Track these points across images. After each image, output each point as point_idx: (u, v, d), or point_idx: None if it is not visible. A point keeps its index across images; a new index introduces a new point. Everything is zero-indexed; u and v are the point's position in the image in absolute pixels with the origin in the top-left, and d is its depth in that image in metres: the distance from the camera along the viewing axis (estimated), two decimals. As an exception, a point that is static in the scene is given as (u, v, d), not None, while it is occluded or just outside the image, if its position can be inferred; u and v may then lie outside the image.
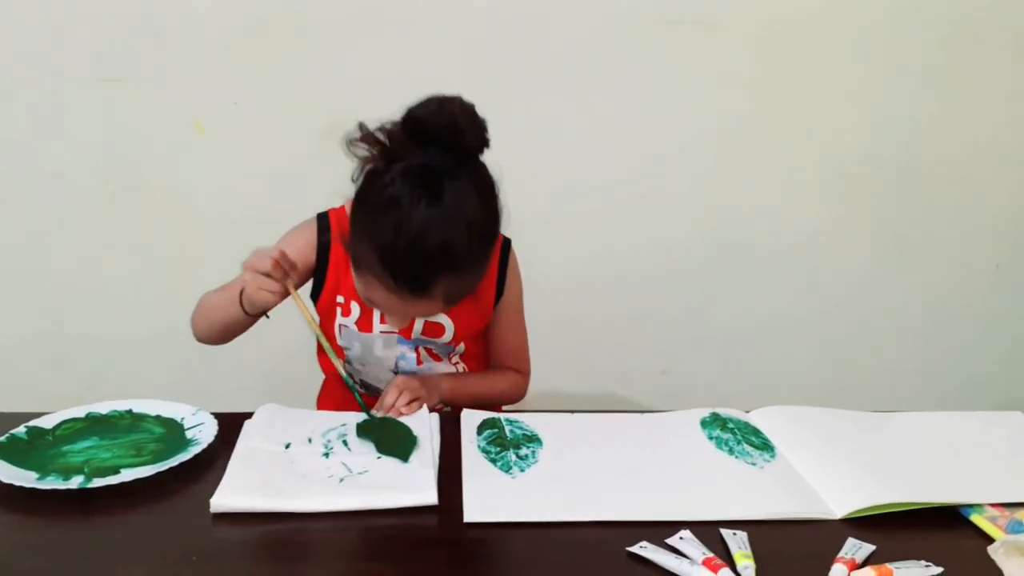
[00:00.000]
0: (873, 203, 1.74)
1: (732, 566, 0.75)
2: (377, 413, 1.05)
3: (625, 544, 0.78)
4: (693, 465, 0.94)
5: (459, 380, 1.19)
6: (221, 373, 1.70)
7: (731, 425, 1.04)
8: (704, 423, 1.04)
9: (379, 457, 0.94)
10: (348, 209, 1.04)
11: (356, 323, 1.14)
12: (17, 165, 1.64)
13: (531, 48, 1.61)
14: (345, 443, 0.98)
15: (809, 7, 1.62)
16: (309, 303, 1.09)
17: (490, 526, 0.82)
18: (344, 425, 1.02)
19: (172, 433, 0.99)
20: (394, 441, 0.97)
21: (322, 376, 1.29)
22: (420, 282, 0.93)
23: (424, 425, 1.02)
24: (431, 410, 1.07)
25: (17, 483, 0.85)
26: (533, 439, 1.00)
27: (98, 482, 0.86)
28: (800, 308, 1.79)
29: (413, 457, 0.94)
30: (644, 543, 0.78)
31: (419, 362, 1.18)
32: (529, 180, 1.58)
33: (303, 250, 1.13)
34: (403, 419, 1.03)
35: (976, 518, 0.84)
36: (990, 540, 0.80)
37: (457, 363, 1.22)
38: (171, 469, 0.89)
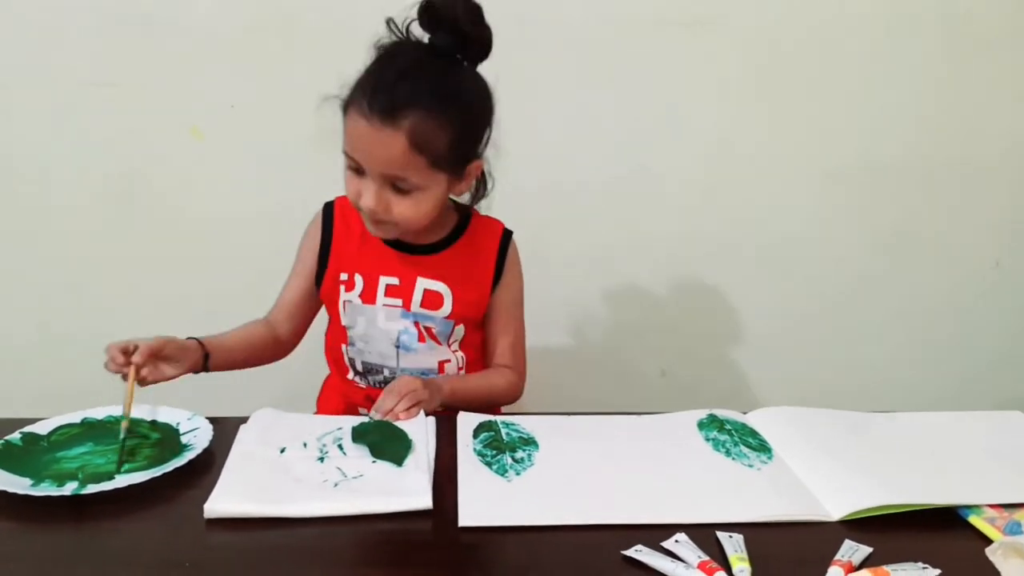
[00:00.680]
0: (871, 202, 1.74)
1: (728, 569, 0.75)
2: (375, 415, 1.04)
3: (620, 547, 0.77)
4: (690, 467, 0.94)
5: (459, 381, 1.18)
6: (219, 377, 1.71)
7: (728, 426, 1.03)
8: (701, 424, 1.04)
9: (374, 461, 0.94)
10: None
11: (360, 296, 1.17)
12: (14, 170, 1.65)
13: (524, 49, 1.60)
14: (340, 447, 0.97)
15: (804, 6, 1.62)
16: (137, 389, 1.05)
17: (484, 530, 0.81)
18: (340, 429, 1.02)
19: (167, 438, 0.99)
20: (389, 445, 0.96)
21: (323, 375, 1.30)
22: (391, 106, 0.99)
23: (420, 428, 1.01)
24: (428, 413, 1.06)
25: (11, 490, 0.84)
26: (529, 442, 1.00)
27: (92, 488, 0.86)
28: (799, 308, 1.78)
29: (408, 461, 0.93)
30: (639, 546, 0.78)
31: (421, 338, 1.18)
32: (524, 181, 1.59)
33: (312, 248, 1.21)
34: (399, 422, 1.03)
35: (974, 519, 0.83)
36: (988, 541, 0.79)
37: (456, 351, 1.22)
38: (166, 475, 0.89)
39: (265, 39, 1.57)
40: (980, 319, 1.81)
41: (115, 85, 1.58)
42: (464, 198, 1.19)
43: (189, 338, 1.12)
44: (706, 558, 0.75)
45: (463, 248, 1.20)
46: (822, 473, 0.91)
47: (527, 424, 1.04)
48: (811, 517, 0.84)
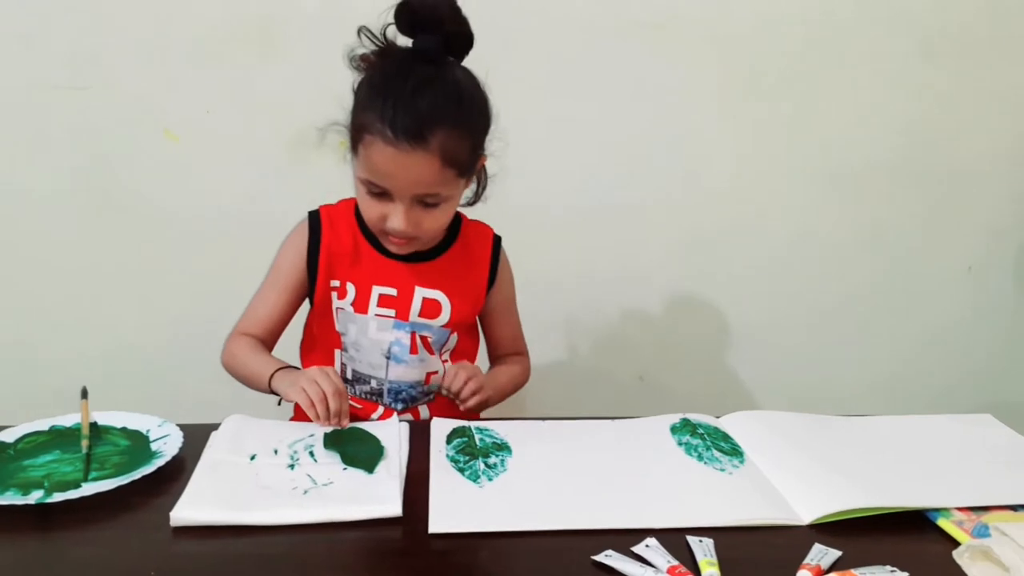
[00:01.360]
0: (847, 207, 1.75)
1: (697, 574, 0.74)
2: (444, 391, 1.14)
3: (590, 553, 0.77)
4: (662, 472, 0.94)
5: (494, 379, 1.22)
6: (197, 382, 1.69)
7: (701, 431, 1.03)
8: (674, 429, 1.04)
9: (345, 468, 0.93)
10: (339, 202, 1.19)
11: (352, 304, 1.15)
12: (-14, 175, 1.63)
13: (507, 51, 1.60)
14: (312, 454, 0.97)
15: (791, 8, 1.63)
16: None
17: (455, 537, 0.81)
18: (312, 436, 1.01)
19: (137, 446, 0.98)
20: (360, 452, 0.96)
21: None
22: (418, 128, 0.98)
23: (392, 434, 1.01)
24: (473, 413, 1.13)
25: (-25, 500, 0.83)
26: (503, 447, 0.99)
27: (58, 497, 0.85)
28: (777, 312, 1.79)
29: (379, 467, 0.93)
30: (609, 551, 0.77)
31: (413, 350, 1.17)
32: (505, 184, 1.58)
33: (295, 261, 1.19)
34: (371, 429, 1.03)
35: (943, 522, 0.84)
36: (956, 544, 0.80)
37: (446, 361, 1.21)
38: (134, 483, 0.88)
39: (241, 43, 1.56)
40: (952, 324, 1.83)
41: (86, 88, 1.56)
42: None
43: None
44: (676, 563, 0.75)
45: (457, 254, 1.19)
46: (793, 477, 0.92)
47: (501, 429, 1.04)
48: (781, 521, 0.84)
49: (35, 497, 0.84)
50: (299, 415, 1.28)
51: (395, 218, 1.05)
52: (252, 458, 0.95)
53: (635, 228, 1.73)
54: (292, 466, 0.94)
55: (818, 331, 1.81)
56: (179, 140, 1.61)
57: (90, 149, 1.61)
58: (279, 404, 1.12)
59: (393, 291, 1.16)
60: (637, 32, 1.62)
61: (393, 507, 0.85)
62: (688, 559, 0.77)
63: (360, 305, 1.15)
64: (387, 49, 1.04)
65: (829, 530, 0.83)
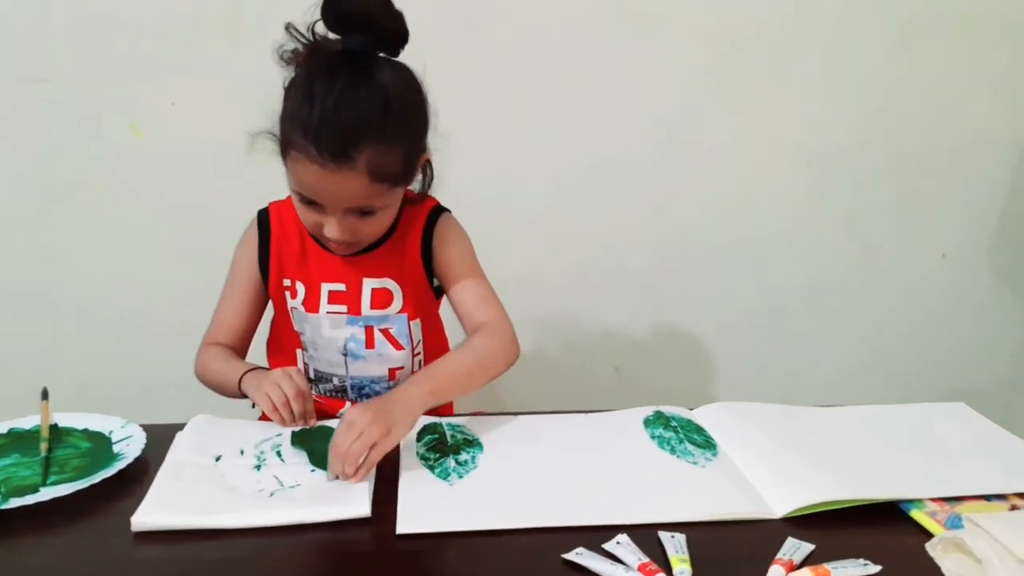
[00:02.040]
0: (822, 195, 1.75)
1: (668, 570, 0.73)
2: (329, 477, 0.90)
3: (561, 551, 0.76)
4: (634, 466, 0.92)
5: (430, 375, 1.01)
6: (162, 381, 1.67)
7: (674, 423, 1.02)
8: (647, 422, 1.03)
9: (312, 470, 0.91)
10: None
11: (303, 303, 1.13)
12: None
13: (487, 40, 1.59)
14: (279, 454, 0.95)
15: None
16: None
17: (423, 537, 0.79)
18: (279, 435, 0.99)
19: (99, 448, 0.95)
20: (328, 452, 0.94)
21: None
22: (343, 147, 0.93)
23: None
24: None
25: (-71, 505, 0.81)
26: (474, 443, 0.98)
27: (15, 502, 0.82)
28: (752, 303, 1.79)
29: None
30: (580, 549, 0.76)
31: (369, 345, 1.13)
32: (479, 174, 1.57)
33: (250, 263, 1.16)
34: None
35: (916, 513, 0.83)
36: (930, 536, 0.79)
37: (419, 353, 1.18)
38: (95, 486, 0.86)
39: (206, 35, 1.53)
40: (926, 311, 1.83)
41: (48, 81, 1.53)
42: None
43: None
44: (646, 560, 0.74)
45: (399, 238, 1.15)
46: (766, 469, 0.91)
47: (473, 425, 1.03)
48: (754, 515, 0.84)
49: (-9, 503, 0.82)
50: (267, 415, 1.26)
51: (329, 228, 1.01)
52: (217, 459, 0.93)
53: (609, 220, 1.71)
54: (259, 467, 0.92)
55: (792, 321, 1.81)
56: (144, 136, 1.57)
57: (52, 142, 1.57)
58: (253, 407, 1.10)
59: (342, 286, 1.12)
60: (615, 22, 1.60)
61: (361, 508, 0.83)
62: (660, 555, 0.76)
63: (311, 304, 1.13)
64: (317, 46, 0.98)
65: (802, 523, 0.82)
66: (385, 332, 1.14)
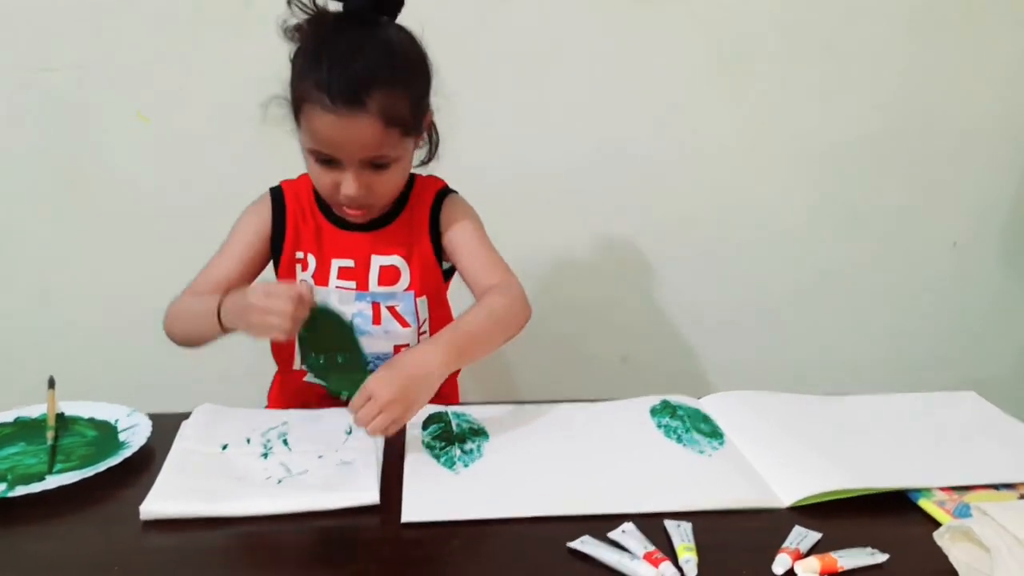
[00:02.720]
0: (832, 184, 1.73)
1: (674, 559, 0.73)
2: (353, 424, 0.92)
3: (567, 539, 0.76)
4: (640, 455, 0.92)
5: (453, 334, 1.00)
6: (169, 370, 1.67)
7: (681, 412, 1.02)
8: (654, 411, 1.03)
9: (320, 456, 0.92)
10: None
11: (312, 276, 1.14)
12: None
13: (487, 28, 1.58)
14: (285, 443, 0.95)
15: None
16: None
17: (428, 525, 0.79)
18: (285, 423, 1.00)
19: (105, 436, 0.95)
20: (345, 380, 0.95)
21: (272, 370, 1.26)
22: (355, 93, 0.97)
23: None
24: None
25: (-64, 493, 0.81)
26: (479, 432, 0.98)
27: (21, 490, 0.82)
28: (761, 292, 1.77)
29: (356, 454, 0.92)
30: (585, 538, 0.76)
31: (376, 321, 1.14)
32: (483, 167, 1.56)
33: (257, 233, 1.16)
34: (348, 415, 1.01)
35: (924, 502, 0.83)
36: (938, 525, 0.79)
37: (424, 332, 1.18)
38: (100, 475, 0.86)
39: (212, 20, 1.52)
40: (938, 300, 1.82)
41: (56, 70, 1.52)
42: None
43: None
44: (652, 548, 0.74)
45: (408, 217, 1.16)
46: (773, 458, 0.90)
47: (478, 414, 1.02)
48: (761, 504, 0.83)
49: (-3, 491, 0.82)
50: (274, 402, 1.26)
51: (347, 184, 1.02)
52: (224, 448, 0.93)
53: (618, 209, 1.70)
54: (265, 455, 0.92)
55: (802, 311, 1.80)
56: (150, 122, 1.57)
57: (59, 132, 1.57)
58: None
59: (351, 262, 1.14)
60: (619, 8, 1.59)
61: (370, 495, 0.83)
62: (665, 544, 0.76)
63: (320, 278, 1.14)
64: (318, 16, 1.03)
65: (809, 512, 0.82)
66: (391, 309, 1.15)
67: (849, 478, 0.84)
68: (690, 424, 0.99)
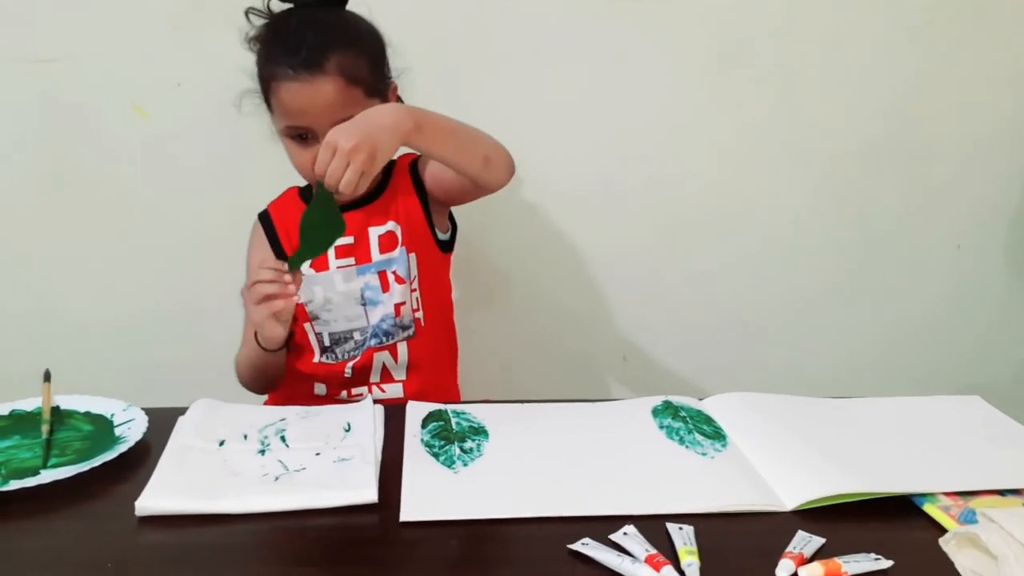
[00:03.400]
0: (833, 186, 1.71)
1: (676, 563, 0.72)
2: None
3: (567, 541, 0.75)
4: (642, 456, 0.91)
5: (420, 108, 1.04)
6: (165, 364, 1.66)
7: (683, 413, 1.01)
8: (656, 412, 1.02)
9: (317, 454, 0.91)
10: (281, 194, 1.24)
11: (311, 266, 1.16)
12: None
13: (482, 26, 1.56)
14: (283, 439, 0.94)
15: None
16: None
17: (427, 525, 0.78)
18: (283, 420, 0.99)
19: (100, 431, 0.95)
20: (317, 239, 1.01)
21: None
22: (314, 58, 1.05)
23: (367, 417, 0.98)
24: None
25: (-71, 487, 0.80)
26: (480, 431, 0.97)
27: (15, 484, 0.82)
28: (763, 293, 1.76)
29: (351, 432, 0.94)
30: (586, 539, 0.75)
31: (385, 289, 1.18)
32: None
33: (266, 263, 1.17)
34: (345, 410, 1.00)
35: (929, 508, 0.82)
36: (943, 531, 0.78)
37: (415, 289, 1.21)
38: (96, 470, 0.85)
39: (211, 15, 1.50)
40: (942, 302, 1.80)
41: (53, 61, 1.51)
42: None
43: None
44: (654, 551, 0.73)
45: (394, 185, 1.22)
46: (777, 461, 0.89)
47: (479, 413, 1.01)
48: (764, 507, 0.82)
49: (-9, 485, 0.81)
50: (272, 399, 1.26)
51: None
52: (221, 444, 0.92)
53: (619, 209, 1.69)
54: (263, 452, 0.91)
55: (805, 313, 1.78)
56: (149, 116, 1.56)
57: (55, 124, 1.55)
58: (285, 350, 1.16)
59: (349, 239, 1.18)
60: (616, 8, 1.57)
61: (369, 493, 0.82)
62: (667, 547, 0.75)
63: (319, 263, 1.17)
64: (273, 13, 1.13)
65: (813, 516, 0.81)
66: (395, 273, 1.18)
67: (853, 482, 0.83)
68: (692, 425, 0.98)
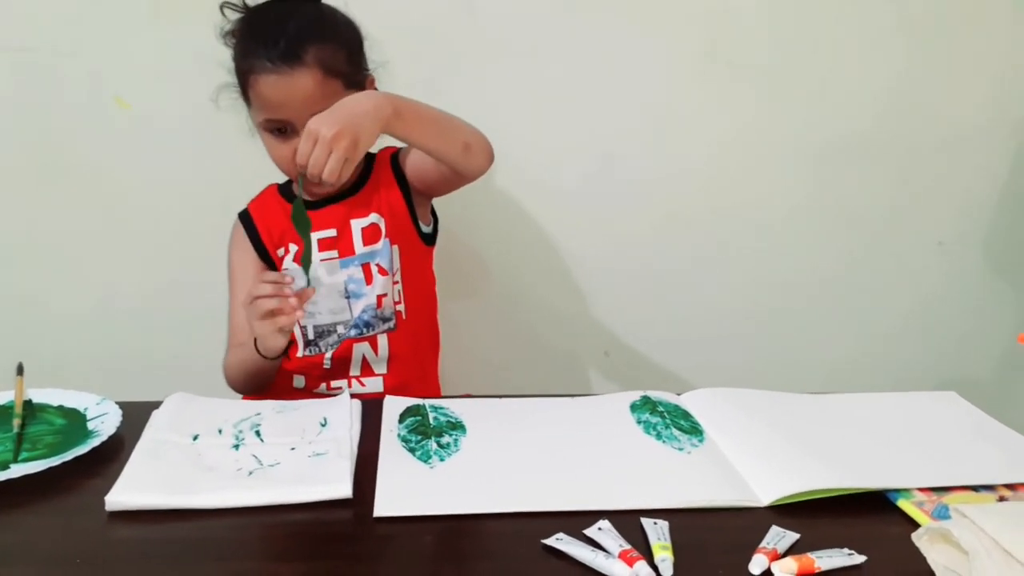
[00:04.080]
0: (816, 183, 1.71)
1: (650, 558, 0.72)
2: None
3: (541, 535, 0.75)
4: (619, 451, 0.91)
5: (399, 95, 1.05)
6: (141, 359, 1.65)
7: (661, 408, 1.01)
8: (634, 407, 1.01)
9: (292, 448, 0.90)
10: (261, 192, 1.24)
11: (295, 259, 1.17)
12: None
13: (475, 23, 1.55)
14: (258, 434, 0.93)
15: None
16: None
17: (401, 520, 0.78)
18: (259, 415, 0.98)
19: (73, 425, 0.93)
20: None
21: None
22: (291, 50, 1.05)
23: (343, 412, 0.97)
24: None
25: None
26: (457, 426, 0.96)
27: (-16, 479, 0.81)
28: (745, 289, 1.76)
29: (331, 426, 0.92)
30: (560, 535, 0.75)
31: (368, 281, 1.17)
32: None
33: (249, 260, 1.22)
34: (322, 405, 0.99)
35: (903, 503, 0.82)
36: (916, 526, 0.78)
37: (397, 282, 1.21)
38: (67, 464, 0.84)
39: (195, 4, 1.49)
40: (923, 299, 1.81)
41: (30, 50, 1.49)
42: None
43: None
44: (628, 546, 0.73)
45: (376, 178, 1.22)
46: (753, 456, 0.89)
47: (456, 408, 1.01)
48: (739, 503, 0.82)
49: (-41, 479, 0.80)
50: (249, 393, 1.25)
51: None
52: (195, 438, 0.91)
53: (603, 204, 1.69)
54: (237, 446, 0.90)
55: (786, 309, 1.79)
56: (131, 108, 1.54)
57: (36, 115, 1.54)
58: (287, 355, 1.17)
59: (332, 231, 1.17)
60: (610, 5, 1.57)
61: (343, 488, 0.82)
62: (642, 542, 0.75)
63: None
64: (248, 8, 1.13)
65: (787, 512, 0.81)
66: (378, 265, 1.18)
67: (828, 477, 0.84)
68: (670, 420, 0.98)
